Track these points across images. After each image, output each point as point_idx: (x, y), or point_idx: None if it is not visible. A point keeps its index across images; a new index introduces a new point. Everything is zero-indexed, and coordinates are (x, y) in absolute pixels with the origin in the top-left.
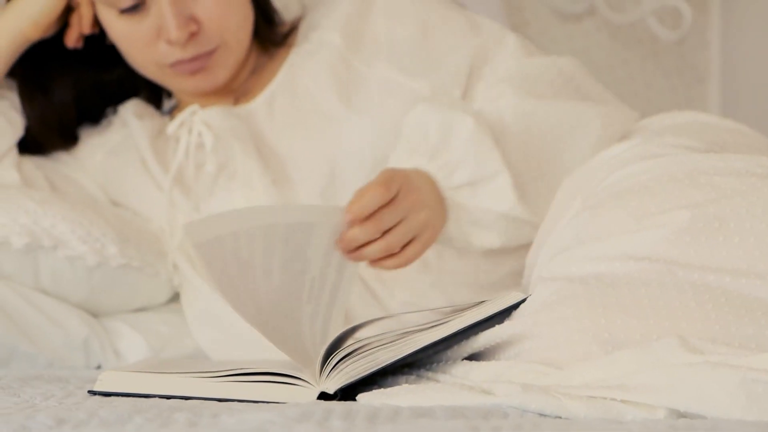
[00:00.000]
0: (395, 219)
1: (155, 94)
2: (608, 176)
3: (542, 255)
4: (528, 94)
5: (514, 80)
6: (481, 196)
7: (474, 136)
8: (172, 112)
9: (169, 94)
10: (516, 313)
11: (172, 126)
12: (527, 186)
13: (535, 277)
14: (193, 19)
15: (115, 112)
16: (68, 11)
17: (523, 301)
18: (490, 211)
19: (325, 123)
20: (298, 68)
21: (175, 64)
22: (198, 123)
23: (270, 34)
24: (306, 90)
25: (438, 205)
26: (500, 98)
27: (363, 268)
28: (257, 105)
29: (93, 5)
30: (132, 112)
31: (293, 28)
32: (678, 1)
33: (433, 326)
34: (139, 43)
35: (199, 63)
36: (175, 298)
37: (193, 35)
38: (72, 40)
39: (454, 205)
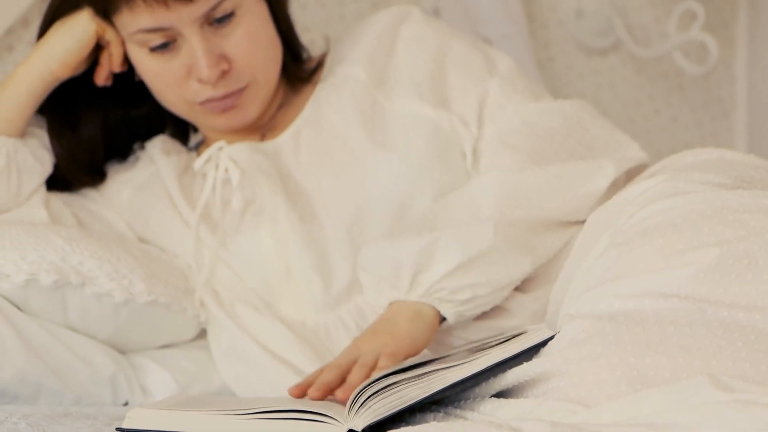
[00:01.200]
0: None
1: (182, 130)
2: (636, 213)
3: (570, 292)
4: (525, 155)
5: (516, 135)
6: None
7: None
8: (198, 148)
9: (196, 130)
10: (544, 351)
11: (199, 162)
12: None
13: (562, 314)
14: (223, 58)
15: (142, 148)
16: (97, 49)
17: (551, 338)
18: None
19: (350, 158)
20: (324, 103)
21: (206, 102)
22: (224, 159)
23: (297, 70)
24: (332, 125)
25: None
26: (491, 168)
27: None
28: (283, 140)
29: (123, 44)
30: (159, 149)
31: (320, 64)
32: (704, 35)
33: (461, 363)
34: (170, 82)
35: (230, 101)
36: (202, 334)
37: (224, 73)
38: (102, 78)
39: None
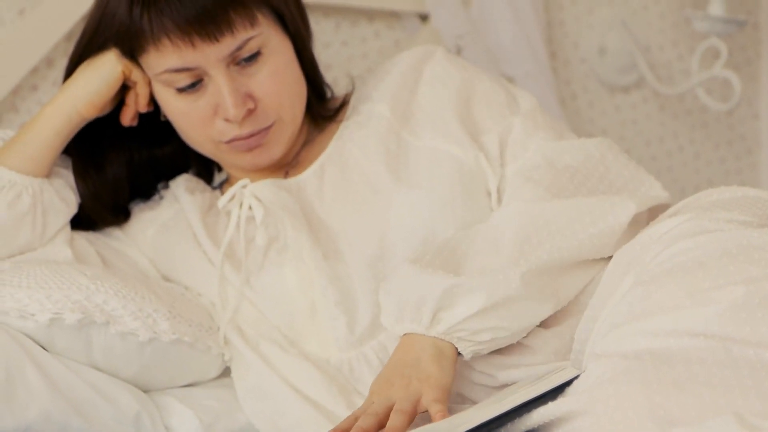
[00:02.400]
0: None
1: (206, 169)
2: (661, 252)
3: (595, 331)
4: (546, 190)
5: (538, 171)
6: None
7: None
8: (222, 187)
9: (220, 169)
10: (569, 390)
11: (223, 200)
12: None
13: (588, 353)
14: (250, 97)
15: (166, 187)
16: (123, 89)
17: (577, 377)
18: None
19: (374, 195)
20: (348, 141)
21: (232, 141)
22: (248, 196)
23: (322, 108)
24: (356, 162)
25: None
26: (512, 200)
27: None
28: (307, 177)
29: (149, 84)
30: (183, 188)
31: (344, 103)
32: (727, 72)
33: (486, 404)
34: (197, 121)
35: (256, 140)
36: (226, 372)
37: (250, 112)
38: (128, 118)
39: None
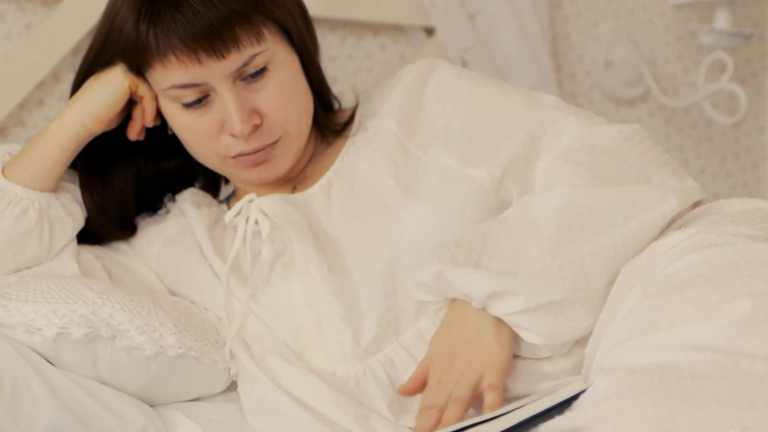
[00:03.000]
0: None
1: (213, 183)
2: (668, 266)
3: (602, 345)
4: (587, 170)
5: (577, 154)
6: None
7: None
8: (229, 201)
9: (227, 182)
10: (576, 404)
11: (230, 214)
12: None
13: (595, 367)
14: (256, 112)
15: (172, 201)
16: (130, 104)
17: (584, 391)
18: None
19: (383, 208)
20: (355, 156)
21: (239, 156)
22: (255, 211)
23: (329, 122)
24: (364, 177)
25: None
26: (555, 184)
27: (418, 353)
28: (314, 192)
29: (156, 98)
30: (189, 201)
31: (351, 117)
32: (733, 85)
33: (493, 418)
34: (203, 136)
35: (263, 155)
36: (232, 386)
37: (256, 128)
38: (135, 133)
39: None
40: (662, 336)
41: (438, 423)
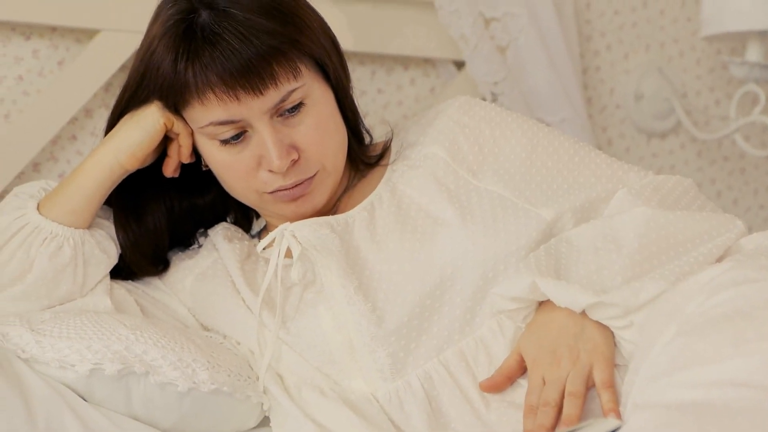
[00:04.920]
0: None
1: (245, 217)
2: (704, 302)
3: (637, 381)
4: (660, 207)
5: (646, 190)
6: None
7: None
8: (260, 235)
9: (258, 216)
10: None
11: (262, 244)
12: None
13: (630, 404)
14: (293, 147)
15: (205, 235)
16: (165, 140)
17: (618, 428)
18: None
19: (434, 228)
20: (398, 182)
21: (276, 192)
22: (288, 235)
23: (363, 155)
24: (411, 200)
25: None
26: (634, 207)
27: (458, 372)
28: (356, 212)
29: (192, 135)
30: (222, 236)
31: (386, 149)
32: (765, 117)
33: None
34: (241, 172)
35: (300, 189)
36: (264, 421)
37: (294, 163)
38: (170, 169)
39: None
40: (698, 372)
41: (557, 420)
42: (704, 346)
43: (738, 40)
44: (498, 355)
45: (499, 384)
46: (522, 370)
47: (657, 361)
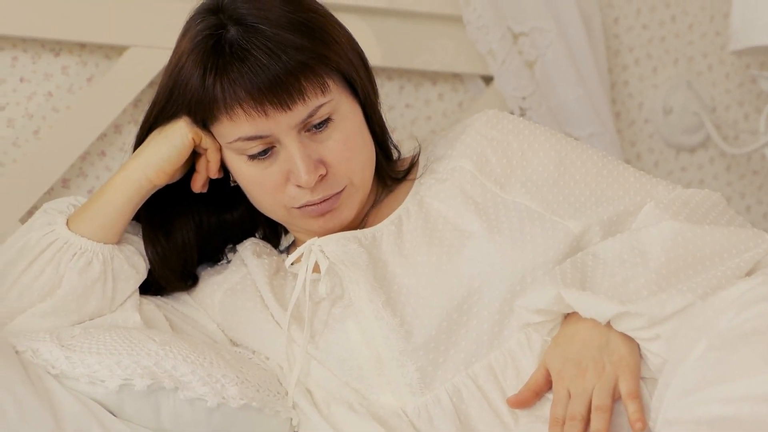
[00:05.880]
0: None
1: (273, 233)
2: (735, 317)
3: (667, 397)
4: (688, 221)
5: (674, 204)
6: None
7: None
8: (288, 250)
9: (286, 232)
10: None
11: (290, 259)
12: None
13: (660, 419)
14: (321, 162)
15: (233, 251)
16: (193, 156)
17: None
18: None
19: (462, 240)
20: (426, 195)
21: (304, 207)
22: (316, 250)
23: (391, 170)
24: (438, 213)
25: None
26: (662, 221)
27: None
28: (384, 226)
29: (220, 151)
30: (250, 251)
31: (414, 163)
32: None
33: None
34: (269, 187)
35: (328, 204)
36: None
37: (322, 178)
38: (199, 185)
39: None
40: (729, 388)
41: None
42: (735, 362)
43: (767, 54)
44: (526, 369)
45: (527, 400)
46: (549, 384)
47: (688, 376)
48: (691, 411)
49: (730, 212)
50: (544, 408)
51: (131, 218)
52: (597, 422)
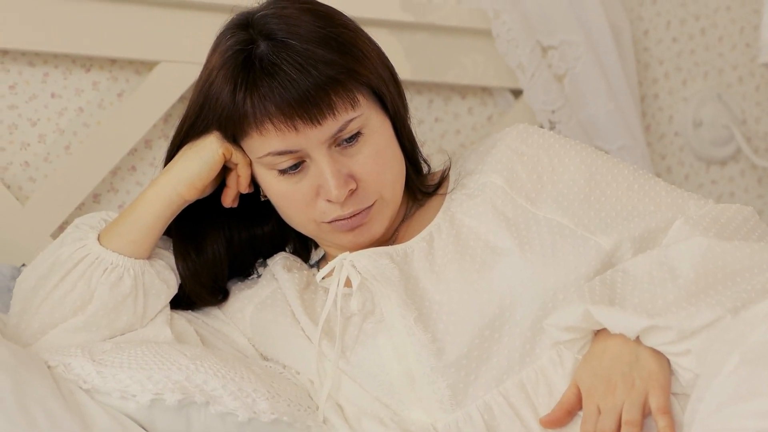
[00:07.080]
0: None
1: (303, 247)
2: (767, 331)
3: (700, 412)
4: (718, 237)
5: (704, 219)
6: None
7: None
8: (319, 265)
9: (317, 246)
10: None
11: (321, 273)
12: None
13: None
14: (351, 177)
15: (264, 265)
16: (224, 171)
17: None
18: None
19: (494, 257)
20: (457, 211)
21: (334, 221)
22: (347, 265)
23: (421, 184)
24: (469, 229)
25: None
26: (691, 237)
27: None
28: (415, 243)
29: (250, 166)
30: (281, 266)
31: (444, 178)
32: None
33: None
34: (299, 202)
35: (358, 219)
36: None
37: (352, 192)
38: (229, 200)
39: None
40: (762, 402)
41: None
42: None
43: None
44: (558, 386)
45: (560, 419)
46: (581, 402)
47: (720, 390)
48: (724, 426)
49: (762, 226)
50: (576, 426)
51: (162, 233)
52: None
